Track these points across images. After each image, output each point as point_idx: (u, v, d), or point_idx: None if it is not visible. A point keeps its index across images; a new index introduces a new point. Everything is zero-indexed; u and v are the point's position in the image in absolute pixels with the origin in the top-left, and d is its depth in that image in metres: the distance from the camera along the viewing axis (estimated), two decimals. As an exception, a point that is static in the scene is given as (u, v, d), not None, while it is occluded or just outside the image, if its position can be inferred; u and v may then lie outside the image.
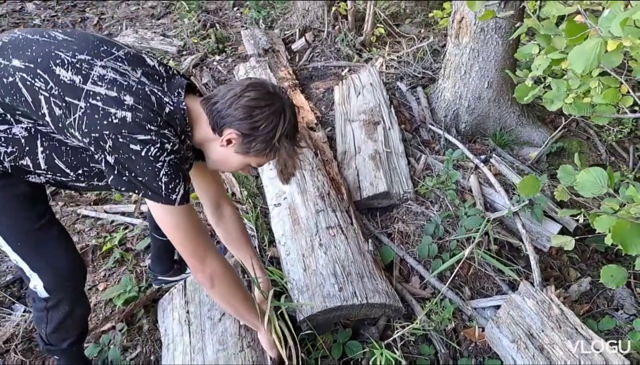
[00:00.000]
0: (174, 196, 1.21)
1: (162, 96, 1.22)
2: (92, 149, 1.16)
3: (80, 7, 5.24)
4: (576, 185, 1.44)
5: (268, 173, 2.62)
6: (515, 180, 2.52)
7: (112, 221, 2.58)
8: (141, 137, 1.13)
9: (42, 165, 1.26)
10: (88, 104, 1.13)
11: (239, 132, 1.25)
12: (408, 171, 2.61)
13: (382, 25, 4.30)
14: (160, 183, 1.18)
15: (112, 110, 1.12)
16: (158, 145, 1.15)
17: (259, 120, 1.23)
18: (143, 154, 1.14)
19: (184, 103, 1.25)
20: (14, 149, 1.22)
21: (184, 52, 4.38)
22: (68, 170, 1.29)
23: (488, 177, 2.52)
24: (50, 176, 1.30)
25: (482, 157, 2.83)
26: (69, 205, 2.69)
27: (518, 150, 3.06)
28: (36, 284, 1.39)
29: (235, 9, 5.27)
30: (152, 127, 1.15)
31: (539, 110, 3.37)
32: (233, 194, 2.69)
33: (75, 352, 1.65)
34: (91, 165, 1.30)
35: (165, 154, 1.16)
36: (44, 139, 1.24)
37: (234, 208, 1.74)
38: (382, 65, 3.96)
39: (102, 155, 1.15)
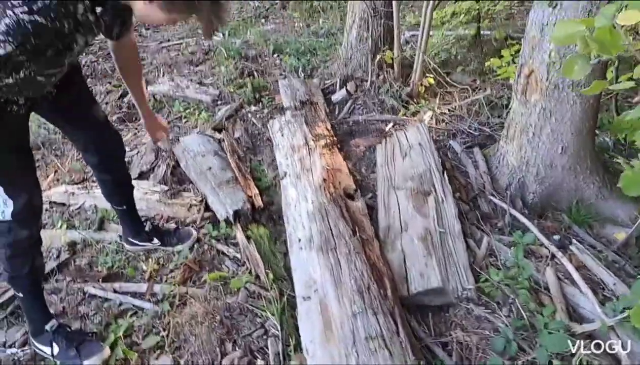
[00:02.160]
0: None
1: None
2: None
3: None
4: None
5: (298, 253, 2.22)
6: (605, 277, 2.00)
7: (120, 304, 2.24)
8: None
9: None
10: None
11: None
12: (467, 258, 2.14)
13: (431, 75, 3.90)
14: None
15: None
16: None
17: None
18: None
19: None
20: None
21: (219, 102, 4.13)
22: None
23: (569, 271, 2.02)
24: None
25: (556, 238, 2.33)
26: (76, 281, 2.38)
27: (599, 229, 2.53)
28: (4, 209, 1.60)
29: (275, 55, 5.04)
30: None
31: (622, 177, 2.84)
32: (257, 276, 2.29)
33: (36, 291, 1.87)
34: None
35: None
36: None
37: (134, 38, 1.90)
38: (431, 119, 3.55)
39: None
